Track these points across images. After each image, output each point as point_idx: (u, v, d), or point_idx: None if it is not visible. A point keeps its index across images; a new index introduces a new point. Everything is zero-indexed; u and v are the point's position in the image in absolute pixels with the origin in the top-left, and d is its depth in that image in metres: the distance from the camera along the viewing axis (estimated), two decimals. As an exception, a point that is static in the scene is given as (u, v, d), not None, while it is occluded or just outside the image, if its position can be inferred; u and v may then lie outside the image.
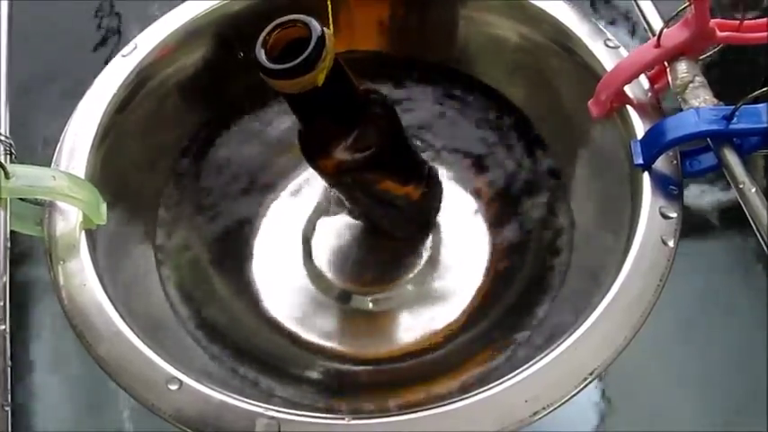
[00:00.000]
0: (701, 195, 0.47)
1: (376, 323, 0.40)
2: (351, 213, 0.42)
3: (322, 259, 0.42)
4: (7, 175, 0.31)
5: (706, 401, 0.41)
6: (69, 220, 0.33)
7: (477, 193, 0.43)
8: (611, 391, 0.41)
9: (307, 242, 0.43)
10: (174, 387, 0.29)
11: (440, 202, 0.41)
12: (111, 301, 0.31)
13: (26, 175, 0.31)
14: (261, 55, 0.28)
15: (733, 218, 0.46)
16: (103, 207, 0.34)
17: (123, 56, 0.39)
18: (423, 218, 0.42)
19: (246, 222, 0.43)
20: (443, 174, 0.42)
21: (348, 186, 0.36)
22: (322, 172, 0.34)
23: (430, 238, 0.42)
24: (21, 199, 0.33)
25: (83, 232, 0.33)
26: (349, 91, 0.31)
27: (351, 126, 0.31)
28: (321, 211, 0.44)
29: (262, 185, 0.44)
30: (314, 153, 0.33)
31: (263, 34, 0.28)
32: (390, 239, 0.42)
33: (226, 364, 0.35)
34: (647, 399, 0.41)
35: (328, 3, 0.37)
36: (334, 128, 0.32)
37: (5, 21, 0.36)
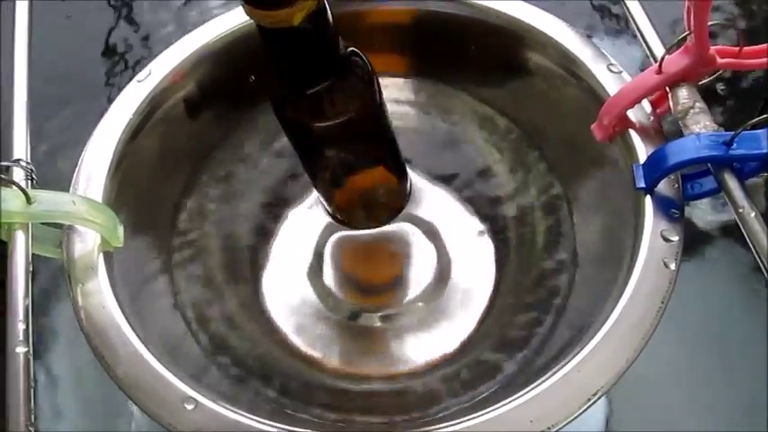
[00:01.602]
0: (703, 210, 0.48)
1: (384, 341, 0.41)
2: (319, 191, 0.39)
3: (332, 277, 0.43)
4: (29, 201, 0.31)
5: (706, 403, 0.41)
6: (87, 242, 0.34)
7: (483, 214, 0.44)
8: (614, 393, 0.41)
9: (318, 259, 0.43)
10: (189, 407, 0.29)
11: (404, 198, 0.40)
12: (128, 321, 0.32)
13: (47, 201, 0.32)
14: None
15: (734, 229, 0.46)
16: (120, 230, 0.35)
17: (138, 81, 0.39)
18: (390, 205, 0.40)
19: (260, 241, 0.43)
20: (449, 194, 0.43)
21: (320, 156, 0.34)
22: (291, 130, 0.33)
23: (436, 258, 0.43)
24: (41, 222, 0.34)
25: (101, 254, 0.34)
26: (328, 41, 0.29)
27: (324, 78, 0.30)
28: (333, 228, 0.44)
29: (275, 205, 0.45)
30: (284, 106, 0.31)
31: None
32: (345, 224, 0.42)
33: (241, 382, 0.36)
34: (649, 400, 0.41)
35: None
36: (306, 78, 0.30)
37: (25, 50, 0.37)
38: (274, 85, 0.31)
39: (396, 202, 0.40)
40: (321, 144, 0.33)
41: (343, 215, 0.40)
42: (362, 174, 0.37)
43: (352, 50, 0.31)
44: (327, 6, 0.28)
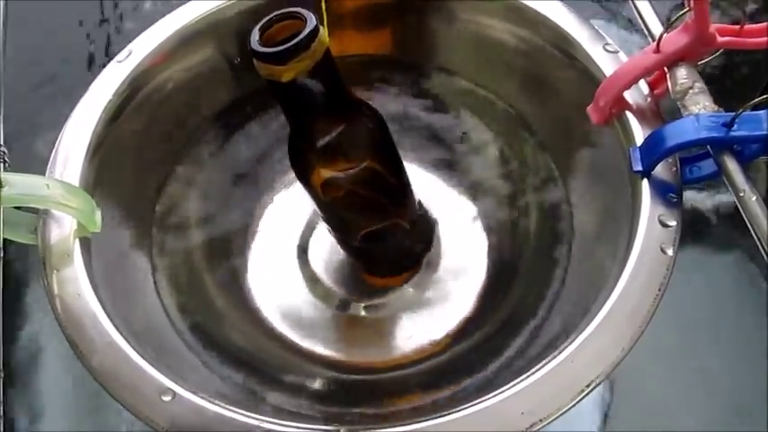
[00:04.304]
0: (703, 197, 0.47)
1: (372, 331, 0.40)
2: (338, 240, 0.40)
3: (318, 266, 0.42)
4: (0, 184, 0.30)
5: (706, 402, 0.40)
6: (64, 228, 0.33)
7: (476, 199, 0.42)
8: (612, 391, 0.41)
9: (304, 248, 0.42)
10: (167, 398, 0.29)
11: (428, 243, 0.41)
12: (105, 310, 0.31)
13: (20, 184, 0.31)
14: (254, 35, 0.27)
15: (734, 219, 0.46)
16: (98, 215, 0.34)
17: (118, 62, 0.38)
18: (409, 253, 0.41)
19: (244, 229, 0.42)
20: (440, 178, 0.42)
21: (335, 209, 0.35)
22: (309, 186, 0.33)
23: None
24: (15, 207, 0.33)
25: (77, 240, 0.33)
26: (332, 93, 0.29)
27: (332, 128, 0.30)
28: (319, 216, 0.43)
29: (259, 192, 0.43)
30: (300, 164, 0.32)
31: (266, 19, 0.28)
32: (370, 273, 0.42)
33: (222, 373, 0.35)
34: (648, 399, 0.41)
35: (322, 6, 0.36)
36: (315, 130, 0.30)
37: (0, 31, 0.36)
38: (291, 145, 0.32)
39: (418, 244, 0.40)
40: (348, 202, 0.34)
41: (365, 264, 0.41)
42: (387, 222, 0.37)
43: (361, 100, 0.31)
44: (329, 67, 0.28)
